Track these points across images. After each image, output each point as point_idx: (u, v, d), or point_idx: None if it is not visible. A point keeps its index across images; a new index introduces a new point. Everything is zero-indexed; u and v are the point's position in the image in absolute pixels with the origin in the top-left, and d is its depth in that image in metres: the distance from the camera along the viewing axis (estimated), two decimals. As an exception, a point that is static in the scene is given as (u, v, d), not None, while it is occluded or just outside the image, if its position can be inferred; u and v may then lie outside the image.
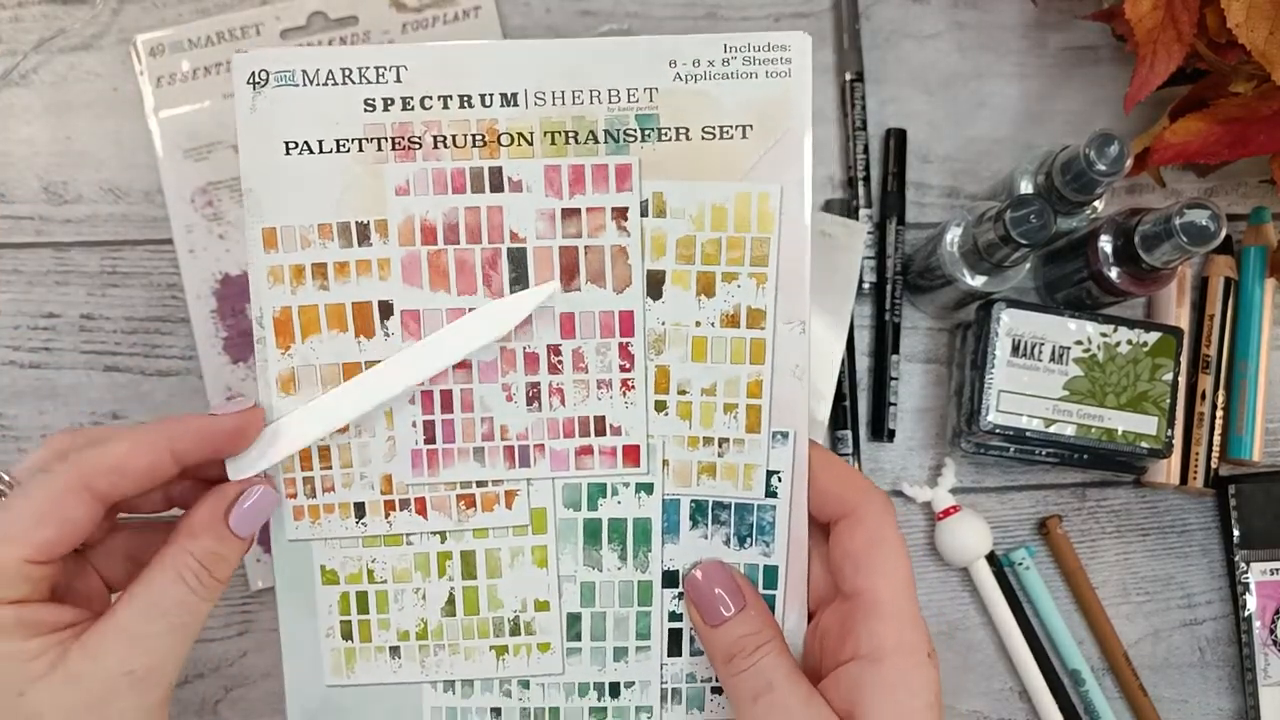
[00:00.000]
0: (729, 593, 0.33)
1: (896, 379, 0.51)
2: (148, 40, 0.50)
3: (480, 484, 0.34)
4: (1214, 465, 0.51)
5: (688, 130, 0.31)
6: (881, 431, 0.51)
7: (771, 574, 0.34)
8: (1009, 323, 0.47)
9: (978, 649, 0.51)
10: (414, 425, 0.33)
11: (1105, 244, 0.47)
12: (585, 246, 0.32)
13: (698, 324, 0.33)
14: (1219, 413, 0.51)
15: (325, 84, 0.31)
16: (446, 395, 0.33)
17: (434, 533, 0.34)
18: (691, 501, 0.34)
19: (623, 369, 0.33)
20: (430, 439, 0.34)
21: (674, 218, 0.32)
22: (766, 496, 0.34)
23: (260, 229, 0.32)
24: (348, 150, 0.32)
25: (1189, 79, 0.48)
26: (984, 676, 0.51)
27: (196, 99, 0.50)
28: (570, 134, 0.31)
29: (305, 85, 0.31)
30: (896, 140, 0.52)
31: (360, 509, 0.34)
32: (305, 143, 0.32)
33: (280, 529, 0.33)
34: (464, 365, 0.33)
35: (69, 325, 0.49)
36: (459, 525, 0.34)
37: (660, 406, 0.34)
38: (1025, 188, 0.49)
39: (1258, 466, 0.51)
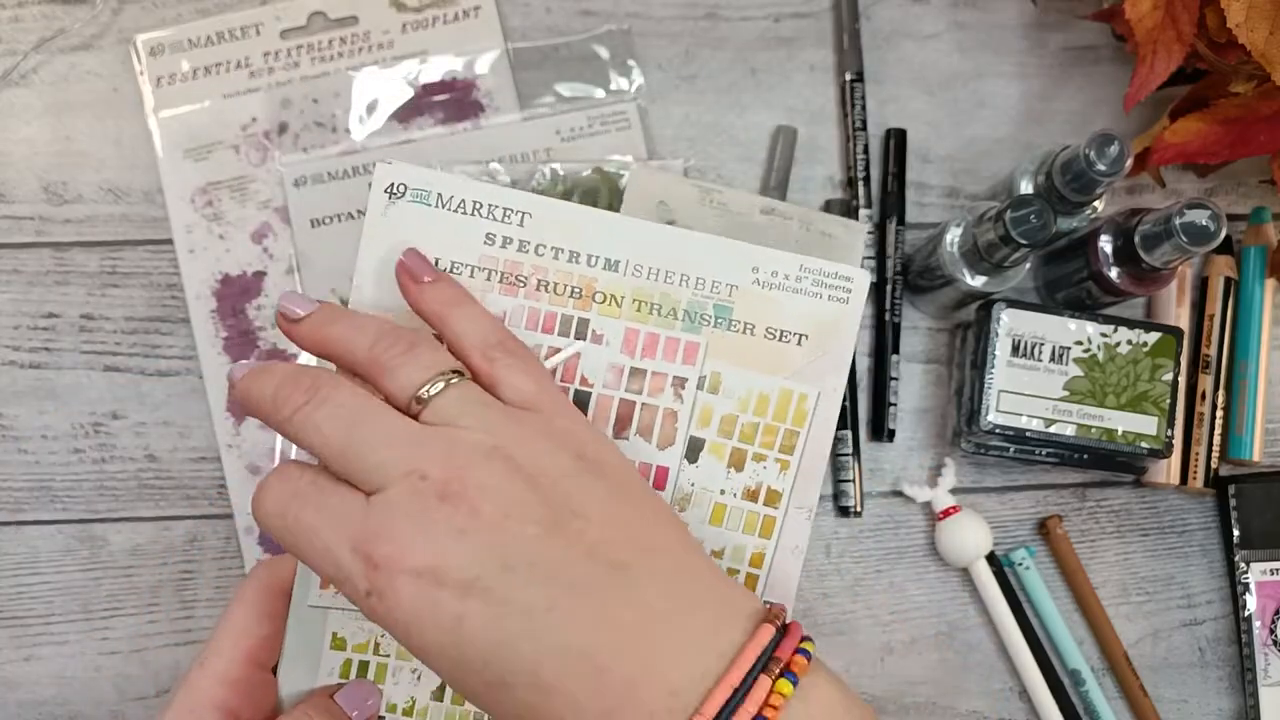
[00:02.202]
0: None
1: (896, 379, 0.51)
2: (148, 40, 0.50)
3: None
4: (1214, 465, 0.51)
5: (754, 327, 0.35)
6: (881, 431, 0.51)
7: None
8: (1009, 323, 0.47)
9: (977, 649, 0.51)
10: None
11: (1105, 244, 0.47)
12: (643, 404, 0.35)
13: (722, 492, 0.36)
14: (1219, 413, 0.51)
15: (455, 211, 0.34)
16: None
17: None
18: None
19: None
20: None
21: (724, 396, 0.35)
22: None
23: None
24: (460, 274, 0.34)
25: (1189, 79, 0.48)
26: (984, 676, 0.51)
27: (196, 99, 0.50)
28: (655, 306, 0.35)
29: (438, 207, 0.34)
30: (896, 140, 0.52)
31: None
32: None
33: (304, 593, 0.35)
34: None
35: (69, 325, 0.49)
36: None
37: None
38: (1025, 188, 0.49)
39: (1258, 466, 0.51)
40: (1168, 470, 0.51)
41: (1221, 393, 0.51)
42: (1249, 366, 0.51)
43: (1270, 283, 0.51)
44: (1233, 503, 0.51)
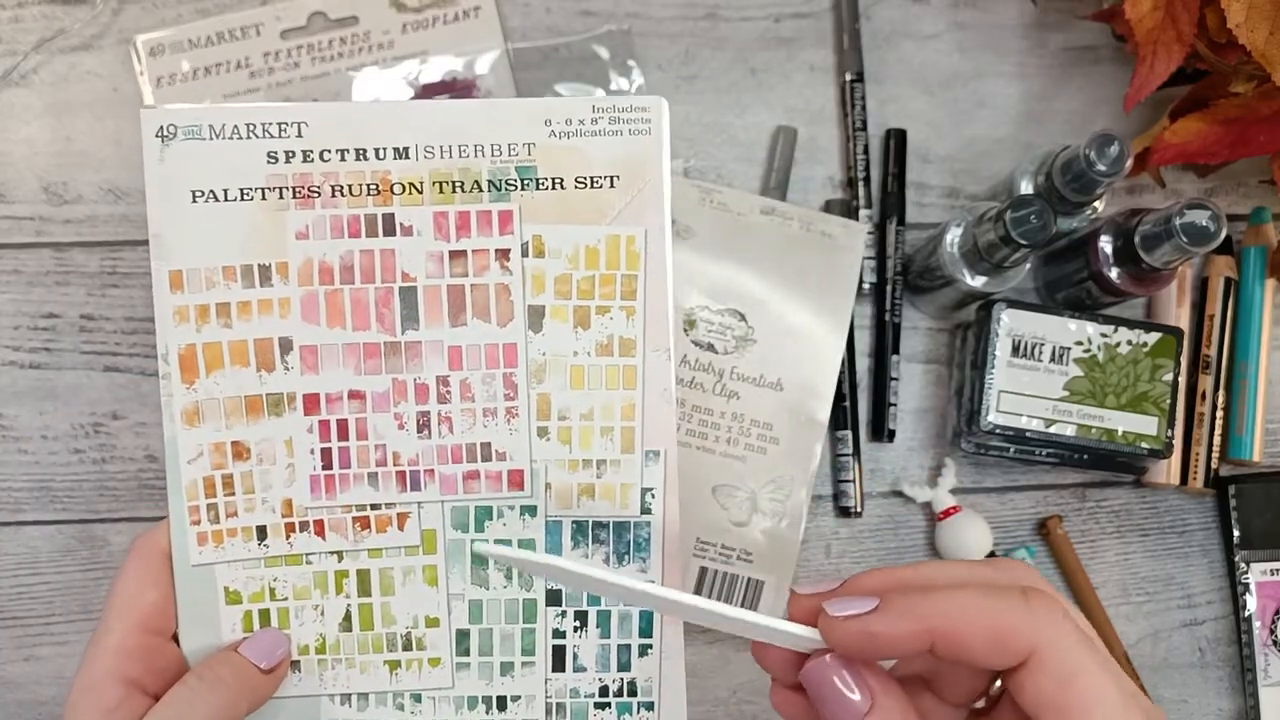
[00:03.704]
0: (853, 688, 0.27)
1: (896, 379, 0.51)
2: (148, 40, 0.50)
3: (374, 507, 0.36)
4: (1214, 465, 0.51)
5: (562, 180, 0.35)
6: (881, 432, 0.51)
7: None
8: (1009, 323, 0.47)
9: (978, 649, 0.51)
10: (312, 452, 0.36)
11: (1105, 244, 0.47)
12: (471, 285, 0.35)
13: (575, 354, 0.36)
14: (1219, 413, 0.51)
15: (230, 138, 0.34)
16: (343, 424, 0.36)
17: (331, 552, 0.36)
18: (573, 523, 0.37)
19: (507, 397, 0.36)
20: (328, 464, 0.36)
21: (551, 258, 0.35)
22: (641, 513, 0.37)
23: (166, 271, 0.35)
24: (251, 198, 0.34)
25: (1189, 79, 0.48)
26: (984, 677, 0.51)
27: (196, 99, 0.50)
28: (457, 183, 0.35)
29: (211, 139, 0.34)
30: (896, 140, 0.52)
31: (262, 531, 0.36)
32: (211, 192, 0.34)
33: (184, 555, 0.35)
34: (359, 395, 0.36)
35: (69, 325, 0.49)
36: (355, 546, 0.36)
37: (542, 432, 0.36)
38: (1025, 188, 0.49)
39: (1258, 467, 0.51)
40: (1168, 470, 0.51)
41: (1221, 393, 0.51)
42: (1249, 366, 0.51)
43: (1270, 283, 0.51)
44: (1233, 503, 0.51)
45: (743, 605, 0.47)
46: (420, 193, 0.35)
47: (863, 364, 0.51)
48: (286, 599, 0.36)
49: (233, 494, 0.36)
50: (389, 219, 0.35)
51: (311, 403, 0.35)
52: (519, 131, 0.35)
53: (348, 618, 0.36)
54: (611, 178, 0.35)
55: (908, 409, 0.51)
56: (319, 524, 0.36)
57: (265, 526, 0.36)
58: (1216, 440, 0.51)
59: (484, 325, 0.35)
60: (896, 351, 0.51)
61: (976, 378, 0.47)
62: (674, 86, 0.52)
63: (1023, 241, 0.43)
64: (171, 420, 0.35)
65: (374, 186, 0.34)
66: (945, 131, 0.53)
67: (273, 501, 0.36)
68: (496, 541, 0.36)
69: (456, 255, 0.35)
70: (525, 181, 0.35)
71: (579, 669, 0.37)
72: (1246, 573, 0.51)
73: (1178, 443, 0.50)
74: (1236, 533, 0.51)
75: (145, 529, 0.36)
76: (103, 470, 0.49)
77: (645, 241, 0.35)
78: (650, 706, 0.38)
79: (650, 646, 0.37)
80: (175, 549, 0.35)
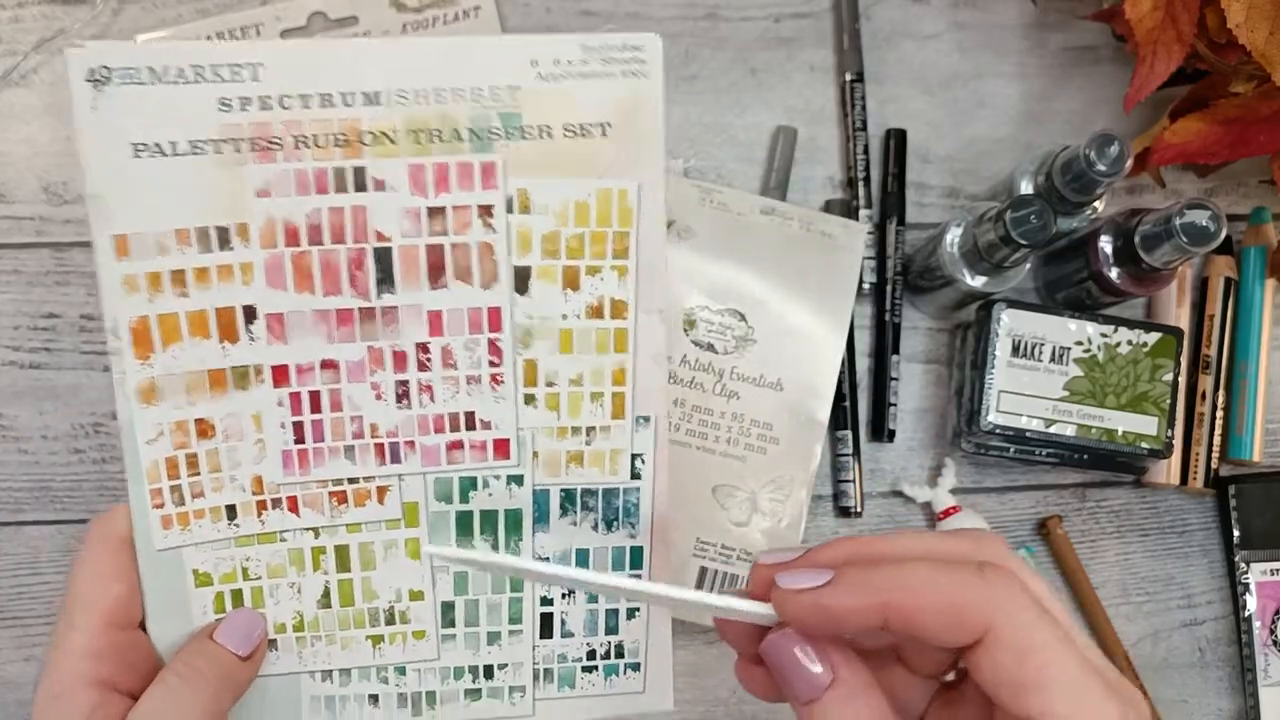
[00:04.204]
0: (814, 661, 0.26)
1: (896, 379, 0.51)
2: (148, 40, 0.50)
3: (352, 481, 0.34)
4: (1214, 465, 0.51)
5: (550, 128, 0.32)
6: (881, 432, 0.51)
7: (637, 554, 0.36)
8: (1009, 323, 0.47)
9: (978, 649, 0.51)
10: (283, 427, 0.33)
11: (1105, 244, 0.47)
12: (452, 244, 0.32)
13: (564, 316, 0.33)
14: (1219, 413, 0.51)
15: (176, 82, 0.30)
16: (315, 396, 0.33)
17: (307, 529, 0.34)
18: (561, 490, 0.35)
19: (492, 364, 0.33)
20: (300, 439, 0.33)
21: (539, 214, 0.32)
22: (631, 479, 0.35)
23: (110, 236, 0.31)
24: (203, 152, 0.30)
25: (1189, 79, 0.48)
26: (984, 677, 0.51)
27: (196, 99, 0.50)
28: (435, 132, 0.31)
29: (153, 84, 0.30)
30: (896, 140, 0.52)
31: (231, 511, 0.34)
32: (157, 144, 0.30)
33: (147, 540, 0.33)
34: (331, 365, 0.33)
35: (69, 325, 0.49)
36: (332, 521, 0.34)
37: (529, 399, 0.34)
38: (1025, 188, 0.49)
39: (1258, 467, 0.51)
40: (1168, 470, 0.51)
41: (1221, 393, 0.51)
42: (1249, 366, 0.51)
43: (1270, 283, 0.51)
44: (1233, 503, 0.51)
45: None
46: (394, 143, 0.31)
47: (863, 364, 0.51)
48: (260, 578, 0.34)
49: (198, 474, 0.33)
50: (359, 173, 0.31)
51: (280, 374, 0.33)
52: (502, 73, 0.31)
53: (326, 594, 0.34)
54: (604, 125, 0.32)
55: (908, 409, 0.51)
56: (292, 500, 0.34)
57: (235, 505, 0.33)
58: (1216, 440, 0.51)
59: (466, 287, 0.32)
60: (896, 351, 0.51)
61: (976, 378, 0.47)
62: (674, 86, 0.52)
63: (1023, 241, 0.43)
64: (126, 400, 0.32)
65: (342, 136, 0.31)
66: (945, 131, 0.53)
67: (242, 480, 0.33)
68: (482, 512, 0.35)
69: (435, 212, 0.32)
70: (510, 130, 0.31)
71: (566, 634, 0.37)
72: (1246, 573, 0.51)
73: (1178, 443, 0.50)
74: (1236, 533, 0.51)
75: (99, 516, 0.33)
76: (103, 470, 0.49)
77: (639, 196, 0.32)
78: (637, 667, 0.37)
79: (637, 609, 0.37)
80: (138, 534, 0.33)
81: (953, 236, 0.47)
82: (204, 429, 0.33)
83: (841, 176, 0.52)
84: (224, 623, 0.33)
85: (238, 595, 0.34)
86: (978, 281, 0.47)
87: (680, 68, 0.52)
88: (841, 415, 0.50)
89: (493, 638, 0.36)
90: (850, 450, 0.50)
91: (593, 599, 0.36)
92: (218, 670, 0.32)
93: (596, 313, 0.33)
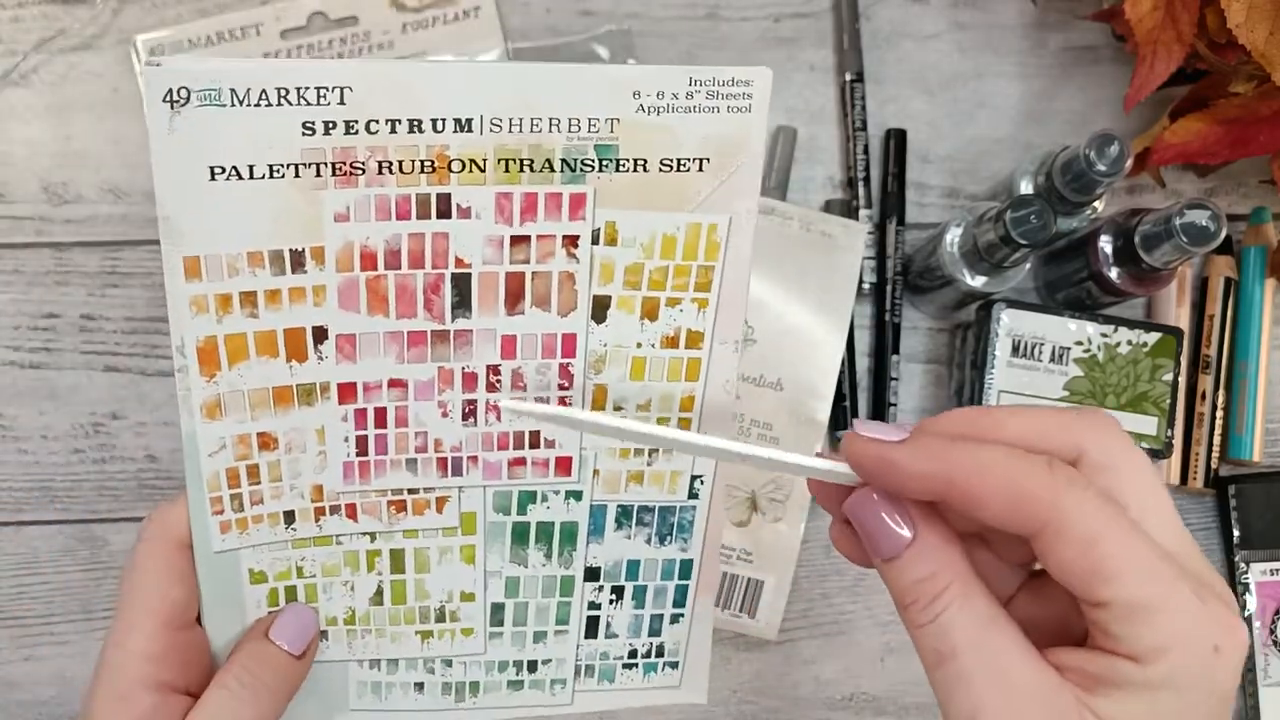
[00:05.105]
0: (896, 520, 0.26)
1: (896, 379, 0.51)
2: (148, 40, 0.50)
3: (412, 491, 0.34)
4: (1214, 465, 0.51)
5: (646, 162, 0.30)
6: (881, 432, 0.51)
7: (686, 567, 0.37)
8: (1009, 323, 0.47)
9: (978, 649, 0.51)
10: (346, 440, 0.33)
11: (1105, 244, 0.47)
12: (533, 272, 0.31)
13: (639, 345, 0.33)
14: (1219, 413, 0.51)
15: (258, 105, 0.28)
16: (381, 412, 0.33)
17: (364, 533, 0.34)
18: (618, 506, 0.35)
19: (561, 387, 0.33)
20: (363, 451, 0.33)
21: (624, 246, 0.31)
22: (689, 499, 0.36)
23: (180, 258, 0.30)
24: (282, 176, 0.29)
25: (1189, 79, 0.48)
26: (984, 677, 0.51)
27: (196, 99, 0.50)
28: (525, 161, 0.30)
29: (233, 105, 0.28)
30: (896, 140, 0.52)
31: (290, 516, 0.34)
32: (234, 168, 0.29)
33: (205, 543, 0.33)
34: (399, 384, 0.32)
35: (69, 325, 0.49)
36: (389, 527, 0.34)
37: None
38: (1025, 188, 0.49)
39: (1258, 466, 0.51)
40: (1168, 470, 0.51)
41: (1221, 393, 0.51)
42: (1249, 366, 0.51)
43: (1270, 283, 0.51)
44: (1233, 503, 0.51)
45: (742, 606, 0.48)
46: (483, 171, 0.30)
47: (863, 364, 0.51)
48: (315, 576, 0.34)
49: (258, 483, 0.33)
50: (444, 200, 0.30)
51: (347, 391, 0.32)
52: (602, 104, 0.29)
53: (379, 593, 0.34)
54: (701, 160, 0.30)
55: (908, 409, 0.51)
56: (350, 507, 0.34)
57: (294, 511, 0.33)
58: (1216, 440, 0.51)
59: (543, 315, 0.32)
60: (896, 351, 0.51)
61: (976, 378, 0.47)
62: (674, 86, 0.52)
63: (1023, 241, 0.43)
64: (190, 415, 0.32)
65: (429, 163, 0.29)
66: (945, 131, 0.53)
67: (301, 488, 0.33)
68: (538, 523, 0.35)
69: (518, 240, 0.31)
70: (604, 162, 0.30)
71: (611, 636, 0.37)
72: (1246, 573, 0.51)
73: (1177, 443, 0.50)
74: (1236, 533, 0.51)
75: (154, 515, 0.33)
76: (103, 470, 0.49)
77: (729, 230, 0.31)
78: (675, 665, 0.38)
79: (682, 615, 0.37)
80: (196, 538, 0.32)
81: (953, 236, 0.47)
82: (266, 441, 0.32)
83: (841, 176, 0.52)
84: (279, 619, 0.34)
85: (291, 591, 0.34)
86: (978, 281, 0.47)
87: (680, 68, 0.52)
88: (841, 415, 0.50)
89: (539, 636, 0.37)
90: (850, 450, 0.50)
91: (640, 605, 0.37)
92: (276, 675, 0.33)
93: (672, 343, 0.33)
